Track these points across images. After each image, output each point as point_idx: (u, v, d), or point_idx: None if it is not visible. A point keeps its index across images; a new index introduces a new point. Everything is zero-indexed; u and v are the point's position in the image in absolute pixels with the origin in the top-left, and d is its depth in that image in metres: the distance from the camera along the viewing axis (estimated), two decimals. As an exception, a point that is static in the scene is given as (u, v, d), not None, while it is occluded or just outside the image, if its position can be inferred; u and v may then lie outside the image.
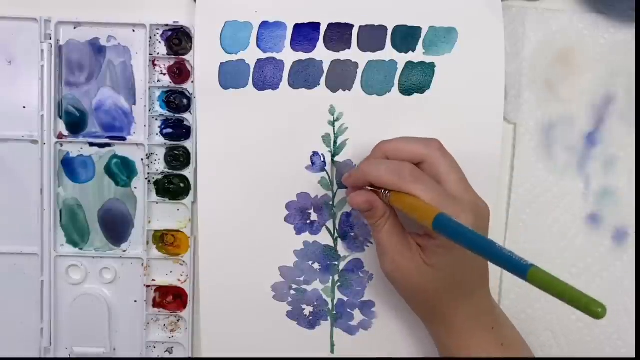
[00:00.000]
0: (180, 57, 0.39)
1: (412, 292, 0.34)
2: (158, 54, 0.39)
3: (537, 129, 0.40)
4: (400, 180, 0.31)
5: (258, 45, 0.38)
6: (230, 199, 0.39)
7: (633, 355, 0.40)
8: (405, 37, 0.38)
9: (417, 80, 0.38)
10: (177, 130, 0.40)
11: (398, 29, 0.38)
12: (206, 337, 0.40)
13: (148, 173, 0.40)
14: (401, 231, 0.34)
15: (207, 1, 0.38)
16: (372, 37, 0.38)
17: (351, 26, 0.38)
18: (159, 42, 0.39)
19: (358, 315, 0.40)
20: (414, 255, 0.33)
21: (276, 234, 0.39)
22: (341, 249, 0.40)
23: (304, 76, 0.38)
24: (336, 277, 0.40)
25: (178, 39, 0.39)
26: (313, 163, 0.39)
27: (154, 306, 0.41)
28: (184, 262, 0.40)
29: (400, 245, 0.33)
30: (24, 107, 0.40)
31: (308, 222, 0.39)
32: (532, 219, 0.40)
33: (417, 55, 0.38)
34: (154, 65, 0.39)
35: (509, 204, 0.40)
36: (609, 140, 0.40)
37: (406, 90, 0.38)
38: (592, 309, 0.21)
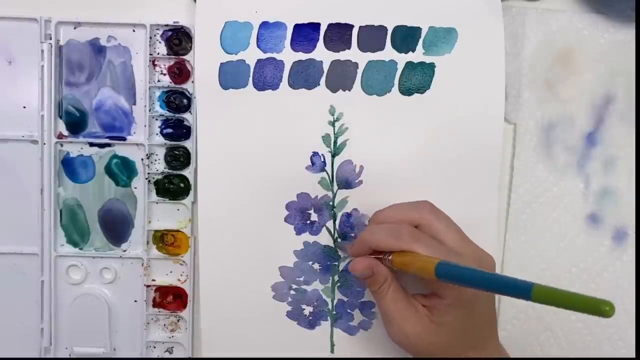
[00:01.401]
0: (180, 57, 0.39)
1: (421, 352, 0.34)
2: (158, 54, 0.39)
3: (537, 129, 0.40)
4: (399, 240, 0.32)
5: (258, 46, 0.38)
6: (230, 199, 0.39)
7: (633, 355, 0.40)
8: (405, 37, 0.38)
9: (417, 81, 0.38)
10: (177, 130, 0.40)
11: (398, 29, 0.38)
12: (206, 337, 0.40)
13: (148, 173, 0.40)
14: (405, 296, 0.33)
15: (207, 1, 0.38)
16: (372, 37, 0.38)
17: (351, 26, 0.38)
18: (159, 42, 0.39)
19: (358, 316, 0.40)
20: (421, 318, 0.33)
21: (276, 234, 0.39)
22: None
23: (304, 76, 0.38)
24: (336, 278, 0.40)
25: (178, 39, 0.39)
26: (313, 163, 0.39)
27: (154, 306, 0.41)
28: (184, 262, 0.40)
29: (406, 311, 0.33)
30: (24, 107, 0.40)
31: (308, 222, 0.39)
32: (532, 219, 0.40)
33: (417, 55, 0.38)
34: (154, 65, 0.39)
35: (509, 204, 0.40)
36: (609, 140, 0.40)
37: (406, 91, 0.38)
38: (602, 308, 0.22)
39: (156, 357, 0.41)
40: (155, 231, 0.40)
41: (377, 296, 0.34)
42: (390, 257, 0.33)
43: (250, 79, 0.38)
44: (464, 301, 0.32)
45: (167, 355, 0.41)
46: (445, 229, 0.33)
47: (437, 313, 0.32)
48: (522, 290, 0.24)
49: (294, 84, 0.38)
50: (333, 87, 0.38)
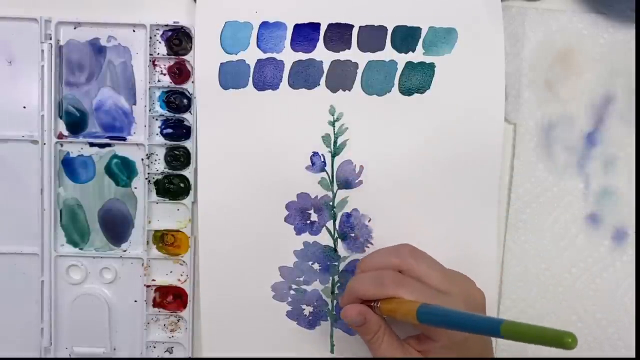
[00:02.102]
0: (181, 57, 0.39)
1: None
2: (158, 54, 0.39)
3: (537, 129, 0.40)
4: (383, 287, 0.32)
5: (258, 46, 0.38)
6: (230, 199, 0.39)
7: (633, 355, 0.40)
8: (405, 37, 0.38)
9: (417, 81, 0.38)
10: (177, 130, 0.40)
11: (398, 29, 0.38)
12: (206, 337, 0.40)
13: (148, 173, 0.40)
14: (400, 345, 0.33)
15: (207, 1, 0.38)
16: (372, 37, 0.38)
17: (351, 26, 0.38)
18: (159, 42, 0.39)
19: (358, 316, 0.40)
20: None
21: (276, 234, 0.39)
22: (341, 249, 0.40)
23: (304, 76, 0.38)
24: (336, 278, 0.40)
25: (178, 39, 0.39)
26: (313, 163, 0.39)
27: (154, 306, 0.41)
28: (184, 262, 0.40)
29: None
30: (24, 107, 0.40)
31: (308, 222, 0.39)
32: (532, 219, 0.40)
33: (417, 55, 0.38)
34: (154, 65, 0.39)
35: (509, 204, 0.40)
36: (608, 140, 0.40)
37: (406, 91, 0.38)
38: (564, 340, 0.23)
39: (156, 357, 0.41)
40: (155, 231, 0.40)
41: (372, 346, 0.33)
42: (378, 305, 0.32)
43: (250, 79, 0.38)
44: (456, 342, 0.32)
45: (167, 355, 0.41)
46: (427, 271, 0.33)
47: (432, 357, 0.32)
48: (491, 327, 0.26)
49: (294, 84, 0.38)
50: (333, 87, 0.38)
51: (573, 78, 0.40)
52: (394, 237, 0.39)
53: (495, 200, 0.39)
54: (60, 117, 0.40)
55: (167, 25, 0.39)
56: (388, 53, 0.38)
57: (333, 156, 0.39)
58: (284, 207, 0.39)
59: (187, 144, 0.40)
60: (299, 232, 0.39)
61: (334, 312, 0.40)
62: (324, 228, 0.39)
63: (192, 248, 0.40)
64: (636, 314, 0.40)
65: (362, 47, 0.38)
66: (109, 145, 0.40)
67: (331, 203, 0.39)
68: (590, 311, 0.40)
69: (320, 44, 0.38)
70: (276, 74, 0.38)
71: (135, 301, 0.41)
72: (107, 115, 0.40)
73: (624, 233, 0.40)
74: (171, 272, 0.41)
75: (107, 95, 0.40)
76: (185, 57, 0.39)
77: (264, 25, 0.38)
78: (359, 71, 0.38)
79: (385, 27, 0.38)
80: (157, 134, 0.40)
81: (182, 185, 0.40)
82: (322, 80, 0.38)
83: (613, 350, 0.40)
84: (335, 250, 0.40)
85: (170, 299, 0.41)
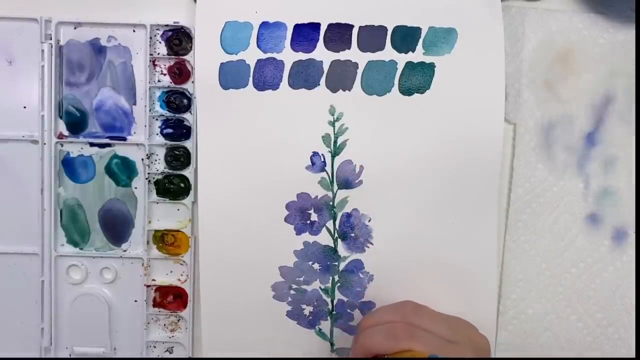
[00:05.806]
0: (181, 57, 0.39)
1: None
2: (158, 54, 0.39)
3: (537, 129, 0.40)
4: (396, 340, 0.32)
5: (258, 46, 0.38)
6: (230, 199, 0.39)
7: (633, 355, 0.40)
8: (405, 37, 0.38)
9: (417, 81, 0.38)
10: (177, 130, 0.40)
11: (398, 29, 0.38)
12: (206, 337, 0.40)
13: (148, 173, 0.40)
14: None
15: (207, 1, 0.38)
16: (372, 37, 0.38)
17: (351, 26, 0.38)
18: (159, 42, 0.39)
19: (358, 316, 0.40)
20: None
21: (276, 234, 0.39)
22: (341, 249, 0.40)
23: (304, 76, 0.38)
24: (336, 278, 0.40)
25: (178, 39, 0.39)
26: (313, 163, 0.39)
27: (154, 306, 0.41)
28: (184, 262, 0.41)
29: None
30: (25, 107, 0.40)
31: (308, 222, 0.39)
32: (532, 219, 0.40)
33: (417, 55, 0.38)
34: (154, 65, 0.40)
35: (509, 204, 0.40)
36: (608, 140, 0.40)
37: (406, 91, 0.38)
38: None
39: (156, 357, 0.41)
40: (156, 231, 0.40)
41: None
42: (385, 358, 0.33)
43: (251, 79, 0.38)
44: None
45: (167, 355, 0.41)
46: (431, 324, 0.33)
47: None
48: None
49: (294, 84, 0.38)
50: (333, 87, 0.38)
51: (573, 78, 0.40)
52: (394, 237, 0.39)
53: (495, 200, 0.39)
54: (61, 117, 0.40)
55: (167, 25, 0.39)
56: (388, 53, 0.38)
57: (333, 156, 0.39)
58: (284, 207, 0.39)
59: (187, 144, 0.40)
60: (299, 232, 0.39)
61: (334, 312, 0.40)
62: (324, 228, 0.39)
63: (192, 248, 0.40)
64: (636, 314, 0.40)
65: (362, 47, 0.38)
66: (109, 145, 0.40)
67: (331, 203, 0.39)
68: (590, 311, 0.40)
69: (320, 44, 0.38)
70: (276, 74, 0.38)
71: (136, 301, 0.41)
72: (107, 115, 0.40)
73: (624, 233, 0.40)
74: (171, 272, 0.41)
75: (107, 95, 0.40)
76: (185, 57, 0.39)
77: (264, 25, 0.38)
78: (359, 71, 0.38)
79: (385, 27, 0.38)
80: (157, 134, 0.40)
81: (182, 185, 0.40)
82: (322, 80, 0.38)
83: (613, 350, 0.40)
84: (335, 250, 0.40)
85: (171, 298, 0.41)
